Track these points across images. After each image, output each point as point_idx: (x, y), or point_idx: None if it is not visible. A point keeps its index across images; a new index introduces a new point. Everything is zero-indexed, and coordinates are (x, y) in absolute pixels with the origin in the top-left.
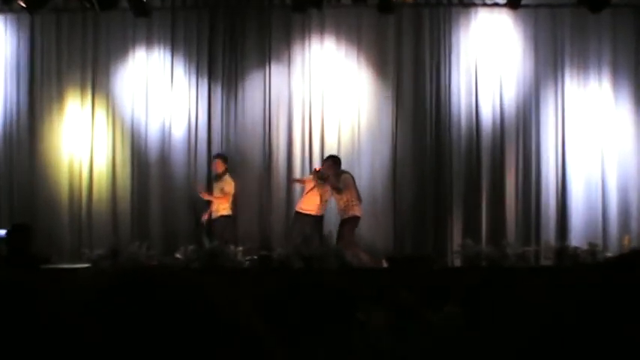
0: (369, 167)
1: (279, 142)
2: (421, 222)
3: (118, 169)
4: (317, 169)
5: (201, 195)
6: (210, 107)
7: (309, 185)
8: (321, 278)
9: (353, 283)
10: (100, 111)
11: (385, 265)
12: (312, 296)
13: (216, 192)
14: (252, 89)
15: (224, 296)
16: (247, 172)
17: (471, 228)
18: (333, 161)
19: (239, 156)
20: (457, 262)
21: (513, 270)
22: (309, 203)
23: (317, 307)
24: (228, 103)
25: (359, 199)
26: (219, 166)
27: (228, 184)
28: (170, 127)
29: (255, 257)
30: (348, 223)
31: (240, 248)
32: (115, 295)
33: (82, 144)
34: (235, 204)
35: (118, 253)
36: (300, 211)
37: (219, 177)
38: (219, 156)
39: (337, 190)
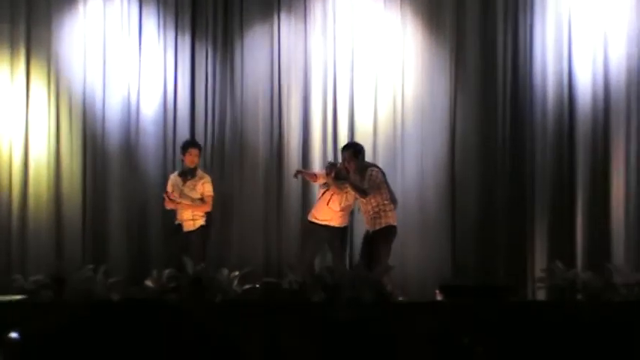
0: (416, 161)
1: (292, 125)
2: (489, 239)
3: (64, 162)
4: (334, 164)
5: (167, 202)
6: (193, 76)
7: (322, 184)
8: (352, 317)
9: (397, 324)
10: (38, 80)
11: (439, 297)
12: (340, 345)
13: (191, 193)
14: (254, 51)
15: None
16: (247, 167)
17: (560, 247)
18: (353, 151)
19: (235, 144)
20: (541, 295)
21: (627, 306)
22: (324, 211)
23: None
24: (220, 70)
25: (393, 201)
26: (194, 158)
27: (208, 184)
28: (138, 104)
29: (258, 286)
30: (382, 235)
31: (237, 273)
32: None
33: (12, 126)
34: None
35: (63, 280)
36: (315, 221)
37: (193, 173)
38: (193, 144)
39: (361, 191)
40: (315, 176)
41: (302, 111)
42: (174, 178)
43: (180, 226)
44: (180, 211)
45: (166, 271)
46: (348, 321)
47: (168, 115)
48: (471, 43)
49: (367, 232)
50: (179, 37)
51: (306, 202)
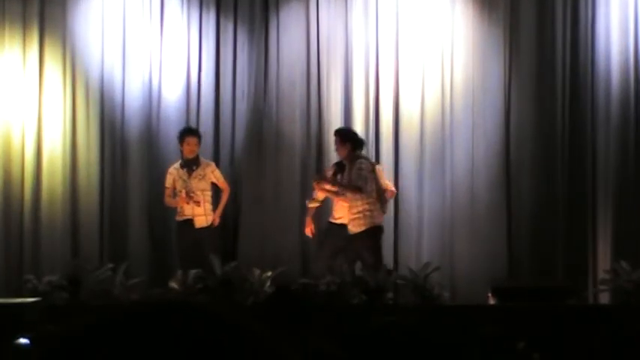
0: (466, 150)
1: (331, 113)
2: (547, 236)
3: (80, 152)
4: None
5: (182, 200)
6: (218, 57)
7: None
8: (394, 322)
9: (444, 330)
10: (52, 62)
11: (492, 301)
12: (380, 351)
13: (200, 185)
14: (288, 30)
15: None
16: (281, 157)
17: (625, 246)
18: (341, 137)
19: (269, 134)
20: (604, 298)
21: None
22: (339, 210)
23: None
24: (249, 51)
25: (381, 199)
26: (193, 148)
27: (217, 170)
28: (159, 89)
29: (292, 288)
30: (367, 238)
31: (269, 273)
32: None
33: (24, 112)
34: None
35: (79, 281)
36: (332, 221)
37: (197, 163)
38: (191, 132)
39: (354, 189)
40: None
41: (342, 97)
42: (175, 171)
43: (187, 222)
44: (191, 206)
45: (192, 272)
46: (389, 326)
47: (191, 100)
48: (526, 21)
49: (331, 229)
50: (204, 14)
51: None
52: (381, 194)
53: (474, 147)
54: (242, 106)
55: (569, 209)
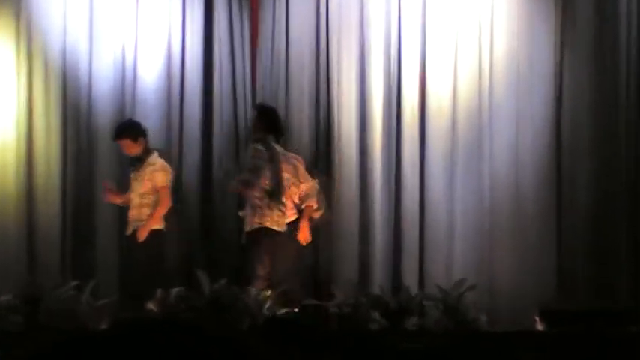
0: (509, 143)
1: (344, 99)
2: (607, 248)
3: (38, 144)
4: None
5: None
6: (209, 29)
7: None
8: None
9: (484, 358)
10: (4, 35)
11: (539, 325)
12: None
13: (138, 187)
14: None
15: None
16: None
17: None
18: (258, 113)
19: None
20: None
21: None
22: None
23: None
24: (243, 22)
25: (272, 196)
26: (128, 150)
27: (160, 172)
28: (134, 67)
29: (296, 310)
30: (256, 239)
31: (268, 292)
32: None
33: None
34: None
35: (37, 301)
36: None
37: (141, 160)
38: (116, 136)
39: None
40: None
41: (357, 78)
42: None
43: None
44: (130, 209)
45: (174, 290)
46: (415, 355)
47: (173, 81)
48: (582, 4)
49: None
50: None
51: (366, 203)
52: (273, 189)
53: (518, 137)
54: (239, 89)
55: (635, 214)
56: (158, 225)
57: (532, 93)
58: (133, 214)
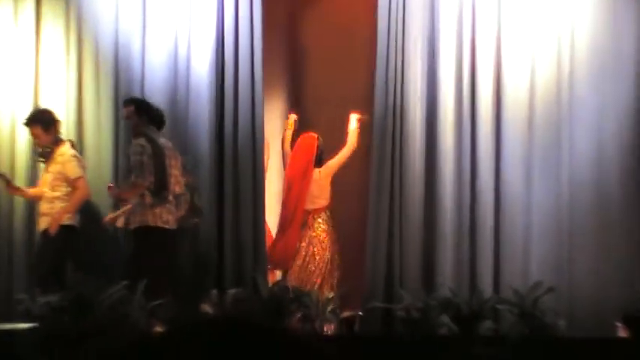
0: (591, 139)
1: (411, 91)
2: None
3: (88, 135)
4: None
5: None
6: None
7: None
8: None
9: None
10: (52, 21)
11: (623, 332)
12: None
13: (49, 179)
14: None
15: None
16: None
17: None
18: (136, 108)
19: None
20: None
21: None
22: None
23: None
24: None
25: (156, 194)
26: (36, 139)
27: (70, 163)
28: (188, 59)
29: (361, 313)
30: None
31: (332, 295)
32: None
33: (17, 86)
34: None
35: (87, 302)
36: None
37: (48, 151)
38: (25, 123)
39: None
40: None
41: (426, 70)
42: None
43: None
44: (41, 203)
45: (231, 292)
46: None
47: (227, 71)
48: None
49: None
50: None
51: (429, 197)
52: (159, 184)
53: (601, 134)
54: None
55: None
56: (69, 220)
57: (616, 85)
58: (41, 206)
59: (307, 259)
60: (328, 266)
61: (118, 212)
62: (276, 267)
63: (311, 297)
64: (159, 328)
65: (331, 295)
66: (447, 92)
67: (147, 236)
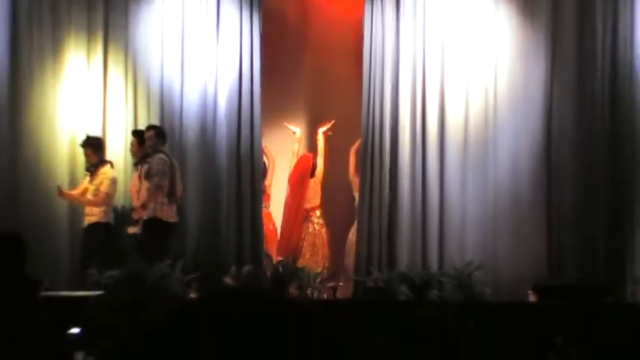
0: (509, 154)
1: (382, 116)
2: (587, 238)
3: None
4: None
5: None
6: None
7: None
8: (439, 317)
9: (486, 326)
10: (115, 67)
11: (532, 298)
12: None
13: (91, 189)
14: None
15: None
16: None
17: None
18: (156, 133)
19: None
20: None
21: None
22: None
23: None
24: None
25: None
26: (87, 158)
27: (107, 179)
28: (215, 95)
29: (341, 284)
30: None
31: (319, 270)
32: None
33: (89, 117)
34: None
35: (141, 276)
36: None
37: (93, 169)
38: (81, 144)
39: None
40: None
41: (391, 104)
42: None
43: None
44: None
45: (246, 267)
46: (434, 321)
47: (244, 107)
48: (567, 28)
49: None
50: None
51: (393, 204)
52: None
53: (517, 151)
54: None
55: (609, 210)
56: (106, 219)
57: (528, 115)
58: (86, 210)
59: (313, 246)
60: (322, 249)
61: (137, 227)
62: (287, 254)
63: (304, 272)
64: (193, 295)
65: (319, 270)
66: (404, 123)
67: (155, 226)
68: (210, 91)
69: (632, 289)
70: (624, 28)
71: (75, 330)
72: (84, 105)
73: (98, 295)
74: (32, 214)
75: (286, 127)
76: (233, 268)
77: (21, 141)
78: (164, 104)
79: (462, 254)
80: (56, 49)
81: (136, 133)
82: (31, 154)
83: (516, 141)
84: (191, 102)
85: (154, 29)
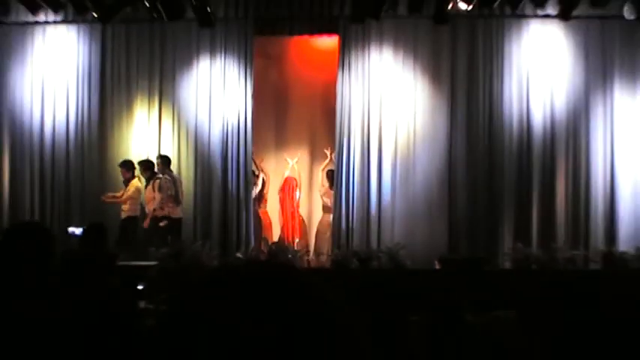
0: (424, 172)
1: (349, 145)
2: (474, 225)
3: (183, 173)
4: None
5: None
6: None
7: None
8: (377, 280)
9: (407, 285)
10: (166, 119)
11: (438, 266)
12: (370, 300)
13: (125, 195)
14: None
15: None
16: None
17: (521, 232)
18: (162, 161)
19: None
20: (508, 265)
21: (562, 273)
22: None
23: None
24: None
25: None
26: (125, 173)
27: (133, 188)
28: (225, 132)
29: (313, 257)
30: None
31: (301, 249)
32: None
33: (150, 149)
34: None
35: (181, 253)
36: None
37: (126, 182)
38: (124, 162)
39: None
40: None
41: (349, 137)
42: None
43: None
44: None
45: (252, 246)
46: (374, 283)
47: (240, 140)
48: (461, 95)
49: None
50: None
51: (361, 205)
52: None
53: (428, 167)
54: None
55: (488, 208)
56: (134, 213)
57: (435, 149)
58: (122, 207)
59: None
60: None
61: (147, 220)
62: (285, 238)
63: (289, 249)
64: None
65: (300, 248)
66: (357, 149)
67: (167, 221)
68: (221, 130)
69: (502, 260)
70: (497, 89)
71: (140, 287)
72: (146, 143)
73: (154, 265)
74: (114, 211)
75: (283, 157)
76: (242, 248)
77: (106, 168)
78: (197, 139)
79: (392, 237)
80: (129, 106)
81: (123, 164)
82: (113, 175)
83: (428, 161)
84: (216, 136)
85: (190, 91)
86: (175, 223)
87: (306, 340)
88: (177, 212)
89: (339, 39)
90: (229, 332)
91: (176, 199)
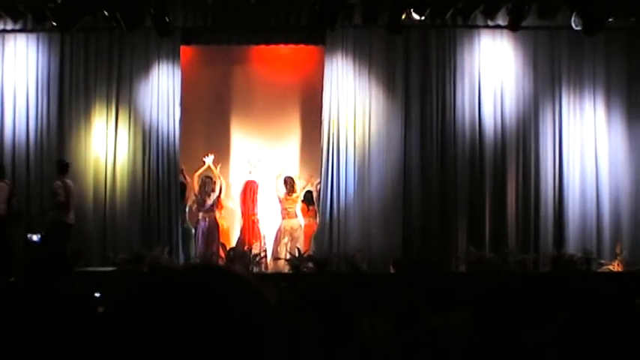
0: (379, 177)
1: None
2: (428, 229)
3: (138, 176)
4: None
5: None
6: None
7: None
8: (332, 285)
9: (361, 289)
10: (123, 123)
11: (392, 270)
12: (325, 305)
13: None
14: None
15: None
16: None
17: (474, 235)
18: (57, 166)
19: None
20: (461, 268)
21: (513, 276)
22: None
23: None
24: None
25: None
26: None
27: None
28: (168, 136)
29: (270, 262)
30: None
31: (258, 252)
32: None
33: (107, 152)
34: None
35: (141, 258)
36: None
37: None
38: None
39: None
40: None
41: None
42: None
43: None
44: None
45: (211, 252)
46: (330, 287)
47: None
48: (415, 103)
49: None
50: None
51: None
52: None
53: (385, 173)
54: None
55: (441, 214)
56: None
57: (391, 153)
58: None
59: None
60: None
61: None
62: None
63: (246, 255)
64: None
65: (257, 253)
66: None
67: (60, 226)
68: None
69: (456, 263)
70: (449, 97)
71: (97, 294)
72: (103, 145)
73: (112, 270)
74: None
75: (245, 160)
76: (201, 253)
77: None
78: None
79: (347, 241)
80: (87, 112)
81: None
82: (71, 177)
83: (383, 166)
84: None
85: (146, 97)
86: (68, 229)
87: (228, 343)
88: (70, 217)
89: (297, 48)
90: (156, 334)
91: (67, 203)
